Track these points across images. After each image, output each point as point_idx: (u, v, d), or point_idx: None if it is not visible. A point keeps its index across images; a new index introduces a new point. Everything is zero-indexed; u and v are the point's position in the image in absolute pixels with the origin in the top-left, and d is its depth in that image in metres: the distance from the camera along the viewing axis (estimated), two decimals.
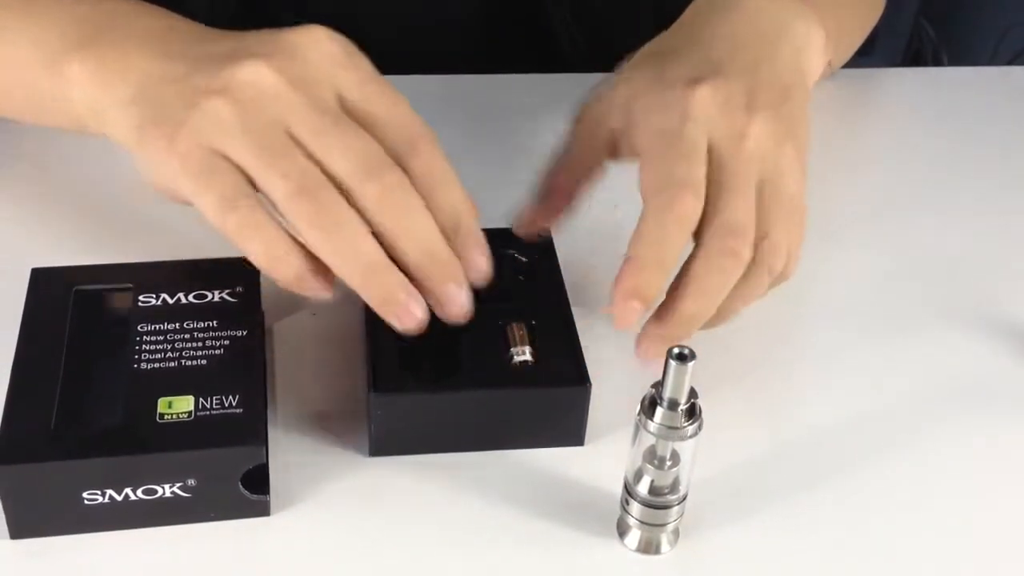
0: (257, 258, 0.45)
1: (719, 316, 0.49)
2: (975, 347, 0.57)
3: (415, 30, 0.75)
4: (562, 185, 0.53)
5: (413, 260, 0.46)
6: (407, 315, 0.46)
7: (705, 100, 0.49)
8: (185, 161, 0.45)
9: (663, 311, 0.48)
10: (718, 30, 0.53)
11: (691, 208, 0.47)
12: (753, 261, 0.48)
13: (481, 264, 0.47)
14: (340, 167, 0.44)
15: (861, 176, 0.69)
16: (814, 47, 0.56)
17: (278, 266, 0.45)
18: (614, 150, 0.52)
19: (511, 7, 0.76)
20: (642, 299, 0.46)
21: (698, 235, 0.48)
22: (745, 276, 0.48)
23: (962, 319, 0.59)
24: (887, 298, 0.60)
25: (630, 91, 0.51)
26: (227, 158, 0.45)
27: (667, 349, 0.42)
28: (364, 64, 0.47)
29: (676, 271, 0.49)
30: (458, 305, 0.47)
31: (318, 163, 0.45)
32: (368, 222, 0.45)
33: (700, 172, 0.47)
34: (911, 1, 1.87)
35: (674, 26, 0.55)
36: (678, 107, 0.49)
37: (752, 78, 0.51)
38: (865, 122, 0.73)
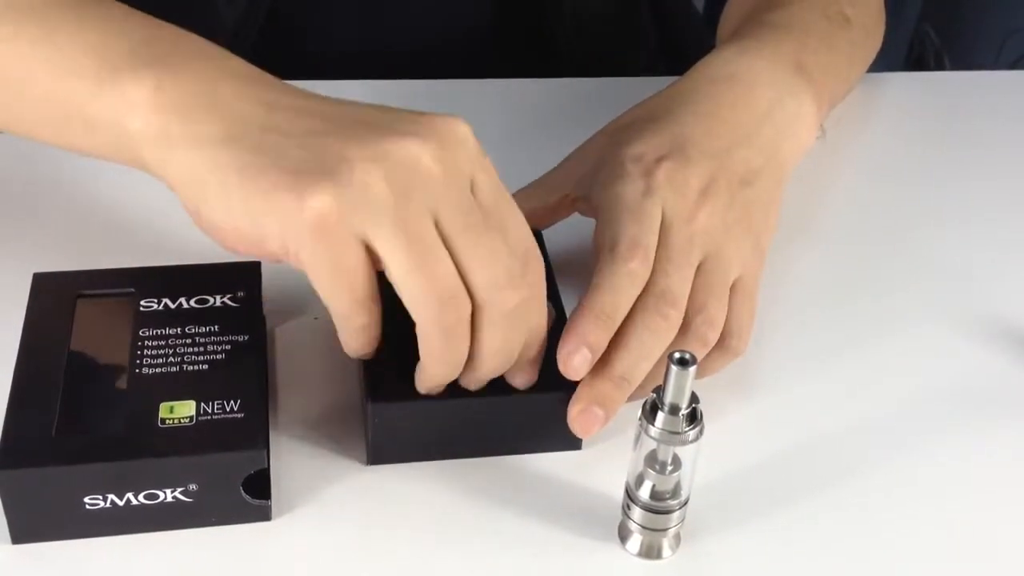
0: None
1: (653, 383, 0.49)
2: (975, 351, 0.57)
3: (423, 41, 0.76)
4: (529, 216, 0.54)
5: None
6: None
7: (664, 179, 0.52)
8: (318, 231, 0.40)
9: (595, 369, 0.48)
10: (701, 107, 0.56)
11: (639, 266, 0.49)
12: (687, 331, 0.50)
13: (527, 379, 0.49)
14: (483, 275, 0.43)
15: (862, 180, 0.69)
16: (804, 123, 0.59)
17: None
18: (574, 203, 0.56)
19: (515, 19, 0.77)
20: (589, 346, 0.47)
21: (637, 302, 0.49)
22: (680, 344, 0.49)
23: (962, 323, 0.59)
24: (887, 302, 0.60)
25: (601, 155, 0.55)
26: (367, 243, 0.42)
27: (670, 354, 0.42)
28: (491, 164, 0.45)
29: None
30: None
31: (459, 264, 0.43)
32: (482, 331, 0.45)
33: (652, 239, 0.50)
34: (913, 6, 1.87)
35: (667, 90, 0.58)
36: (641, 181, 0.52)
37: (717, 163, 0.54)
38: (866, 126, 0.73)
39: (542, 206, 0.56)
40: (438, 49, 0.76)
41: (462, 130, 0.44)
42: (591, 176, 0.55)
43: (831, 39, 0.64)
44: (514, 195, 0.47)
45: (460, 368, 0.46)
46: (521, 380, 0.48)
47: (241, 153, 0.41)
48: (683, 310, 0.50)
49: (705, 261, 0.51)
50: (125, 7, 0.47)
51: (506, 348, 0.46)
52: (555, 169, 0.58)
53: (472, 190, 0.44)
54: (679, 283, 0.50)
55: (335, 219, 0.40)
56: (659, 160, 0.53)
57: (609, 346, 0.48)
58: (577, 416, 0.48)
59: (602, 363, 0.48)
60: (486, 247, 0.43)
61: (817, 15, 0.64)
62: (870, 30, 0.70)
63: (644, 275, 0.49)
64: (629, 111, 0.58)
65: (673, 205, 0.52)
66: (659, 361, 0.49)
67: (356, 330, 0.45)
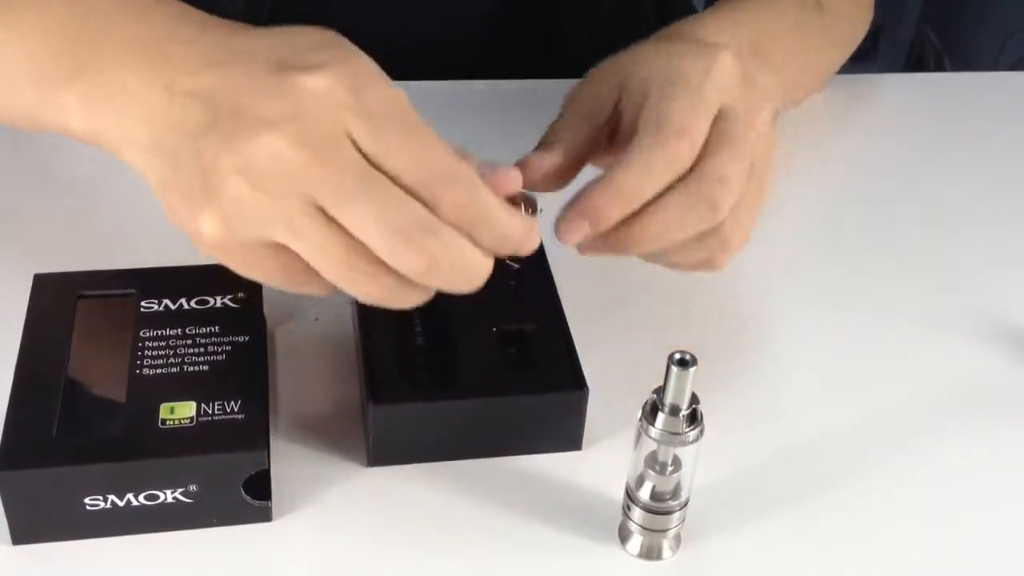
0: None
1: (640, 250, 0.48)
2: (976, 352, 0.57)
3: (426, 37, 0.75)
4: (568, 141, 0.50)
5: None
6: None
7: (729, 65, 0.48)
8: (218, 251, 0.42)
9: (613, 231, 0.46)
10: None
11: (685, 154, 0.45)
12: (717, 226, 0.47)
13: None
14: (375, 242, 0.41)
15: (861, 181, 0.69)
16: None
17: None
18: (618, 100, 0.50)
19: (520, 13, 0.77)
20: (594, 223, 0.45)
21: (679, 184, 0.46)
22: (699, 237, 0.47)
23: (963, 324, 0.59)
24: (887, 303, 0.60)
25: (648, 45, 0.51)
26: (265, 244, 0.42)
27: (670, 355, 0.42)
28: (375, 97, 0.42)
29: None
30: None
31: (353, 236, 0.41)
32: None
33: (705, 126, 0.46)
34: (913, 7, 1.88)
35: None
36: (702, 62, 0.47)
37: (759, 76, 0.51)
38: (867, 127, 0.73)
39: (571, 144, 0.49)
40: (441, 46, 0.76)
41: (322, 83, 0.41)
42: (629, 70, 0.50)
43: (800, 25, 0.62)
44: (537, 150, 0.47)
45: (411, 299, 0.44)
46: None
47: (154, 162, 0.43)
48: (732, 205, 0.46)
49: (751, 165, 0.48)
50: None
51: (451, 288, 0.43)
52: (573, 98, 0.51)
53: (356, 141, 0.41)
54: (737, 175, 0.46)
55: (228, 239, 0.42)
56: (718, 47, 0.49)
57: (641, 209, 0.45)
58: (567, 241, 0.46)
59: (622, 225, 0.46)
60: (371, 215, 0.40)
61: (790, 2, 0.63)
62: (849, 17, 0.68)
63: (686, 163, 0.45)
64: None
65: (736, 95, 0.47)
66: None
67: (330, 292, 0.44)
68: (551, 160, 0.48)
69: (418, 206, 0.41)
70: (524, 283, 0.54)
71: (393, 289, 0.42)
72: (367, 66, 0.43)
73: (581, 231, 0.45)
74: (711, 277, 0.60)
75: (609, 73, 0.50)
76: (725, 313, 0.59)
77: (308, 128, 0.40)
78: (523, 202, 0.45)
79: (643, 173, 0.45)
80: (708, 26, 0.56)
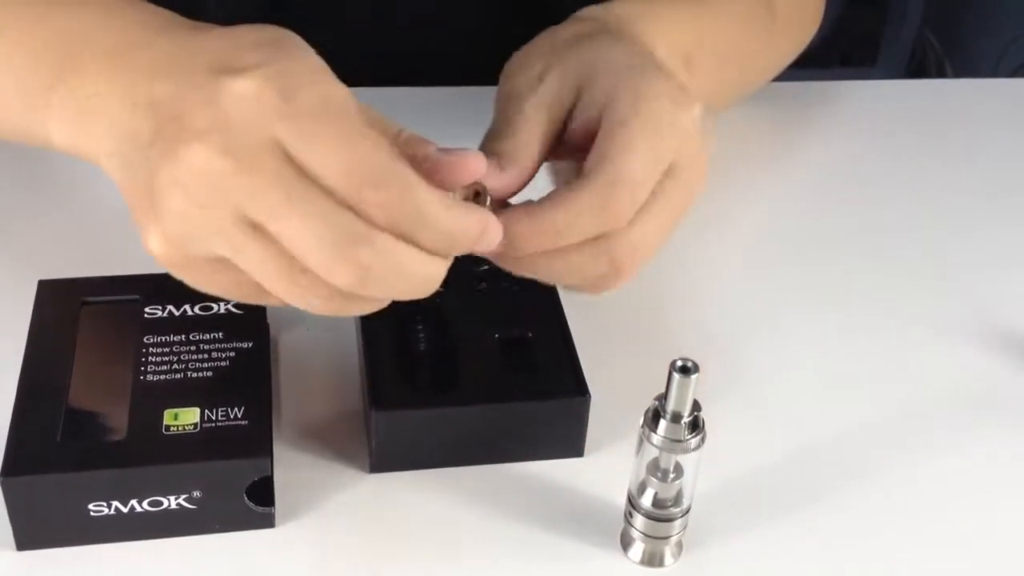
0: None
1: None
2: (976, 358, 0.58)
3: (426, 40, 0.75)
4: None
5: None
6: None
7: (697, 120, 0.46)
8: (170, 268, 0.42)
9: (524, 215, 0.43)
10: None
11: (625, 212, 0.44)
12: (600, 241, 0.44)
13: (490, 247, 0.43)
14: (306, 256, 0.39)
15: (862, 186, 0.69)
16: None
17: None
18: (574, 103, 0.47)
19: (519, 17, 0.76)
20: (508, 246, 0.43)
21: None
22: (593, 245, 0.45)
23: (964, 330, 0.59)
24: (887, 307, 0.60)
25: (607, 47, 0.48)
26: (213, 259, 0.41)
27: (672, 362, 0.43)
28: (306, 99, 0.39)
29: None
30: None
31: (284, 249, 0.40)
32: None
33: (654, 182, 0.44)
34: (915, 11, 1.88)
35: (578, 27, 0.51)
36: (673, 113, 0.45)
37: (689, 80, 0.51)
38: (868, 133, 0.73)
39: (533, 157, 0.46)
40: (437, 50, 0.75)
41: (250, 87, 0.39)
42: (588, 74, 0.46)
43: (745, 26, 0.61)
44: (497, 158, 0.44)
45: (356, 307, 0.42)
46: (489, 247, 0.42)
47: (117, 174, 0.43)
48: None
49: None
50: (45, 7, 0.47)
51: (400, 296, 0.41)
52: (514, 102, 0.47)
53: (285, 149, 0.39)
54: (645, 176, 0.44)
55: (175, 255, 0.41)
56: (694, 102, 0.46)
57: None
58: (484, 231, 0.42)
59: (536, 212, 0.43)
60: (297, 228, 0.39)
61: (744, 6, 0.61)
62: (798, 22, 0.66)
63: (624, 221, 0.44)
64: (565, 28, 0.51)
65: (689, 145, 0.46)
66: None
67: (287, 304, 0.43)
68: (517, 178, 0.45)
69: (347, 215, 0.39)
70: (526, 289, 0.54)
71: (340, 301, 0.41)
72: (303, 64, 0.41)
73: (491, 246, 0.43)
74: (713, 283, 0.61)
75: (566, 71, 0.46)
76: (726, 319, 0.59)
77: (236, 137, 0.39)
78: (484, 192, 0.43)
79: (576, 217, 0.43)
80: (655, 20, 0.53)
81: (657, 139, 0.44)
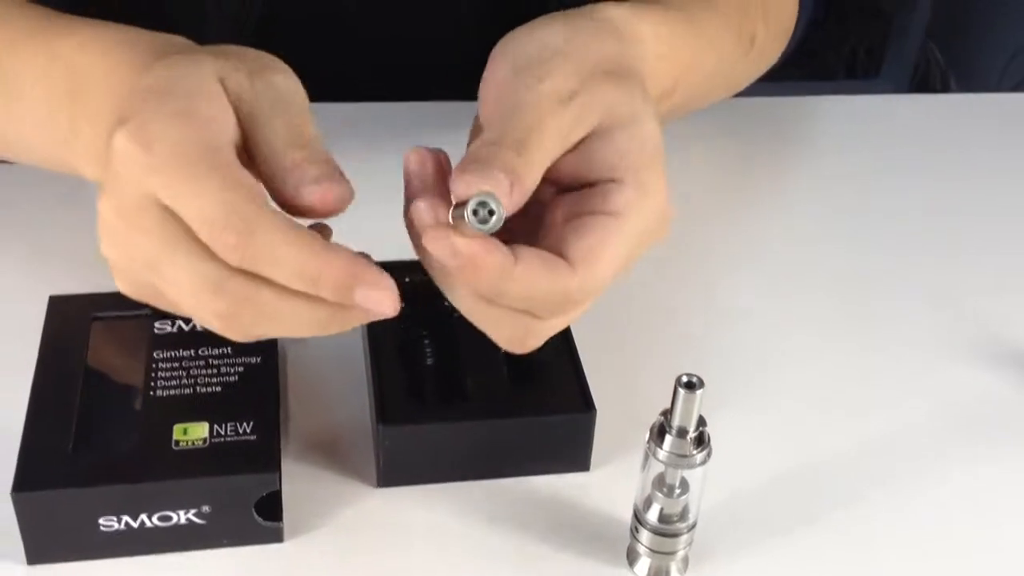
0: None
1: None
2: (983, 377, 0.58)
3: (415, 46, 0.75)
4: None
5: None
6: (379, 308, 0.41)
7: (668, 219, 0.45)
8: (142, 301, 0.45)
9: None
10: None
11: (578, 310, 0.44)
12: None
13: (379, 305, 0.40)
14: (181, 307, 0.42)
15: (865, 204, 0.69)
16: None
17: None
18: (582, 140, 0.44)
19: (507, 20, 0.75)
20: (462, 267, 0.40)
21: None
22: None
23: (970, 349, 0.59)
24: (891, 327, 0.60)
25: (627, 96, 0.44)
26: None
27: (677, 377, 0.43)
28: (163, 148, 0.40)
29: None
30: (381, 310, 0.41)
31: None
32: None
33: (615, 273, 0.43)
34: (919, 25, 1.88)
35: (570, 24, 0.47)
36: (656, 221, 0.44)
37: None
38: (870, 149, 0.74)
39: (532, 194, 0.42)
40: (431, 50, 0.75)
41: (121, 143, 0.40)
42: (609, 126, 0.43)
43: (727, 66, 0.59)
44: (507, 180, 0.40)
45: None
46: (370, 309, 0.41)
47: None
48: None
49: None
50: (54, 50, 0.48)
51: (286, 334, 0.42)
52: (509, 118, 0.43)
53: (158, 200, 0.40)
54: (563, 323, 0.44)
55: (133, 292, 0.44)
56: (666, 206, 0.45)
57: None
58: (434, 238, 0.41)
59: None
60: (174, 279, 0.40)
61: (731, 37, 0.58)
62: (768, 53, 0.64)
63: (585, 301, 0.43)
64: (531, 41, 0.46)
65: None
66: None
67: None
68: (519, 202, 0.42)
69: (209, 262, 0.40)
70: None
71: (246, 338, 0.42)
72: (168, 108, 0.41)
73: (445, 252, 0.40)
74: (718, 300, 0.61)
75: (593, 108, 0.43)
76: (731, 336, 0.59)
77: (120, 196, 0.41)
78: (495, 210, 0.39)
79: (528, 288, 0.41)
80: (648, 44, 0.49)
81: (637, 246, 0.43)
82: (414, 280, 0.51)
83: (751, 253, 0.65)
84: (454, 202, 0.41)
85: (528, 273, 0.41)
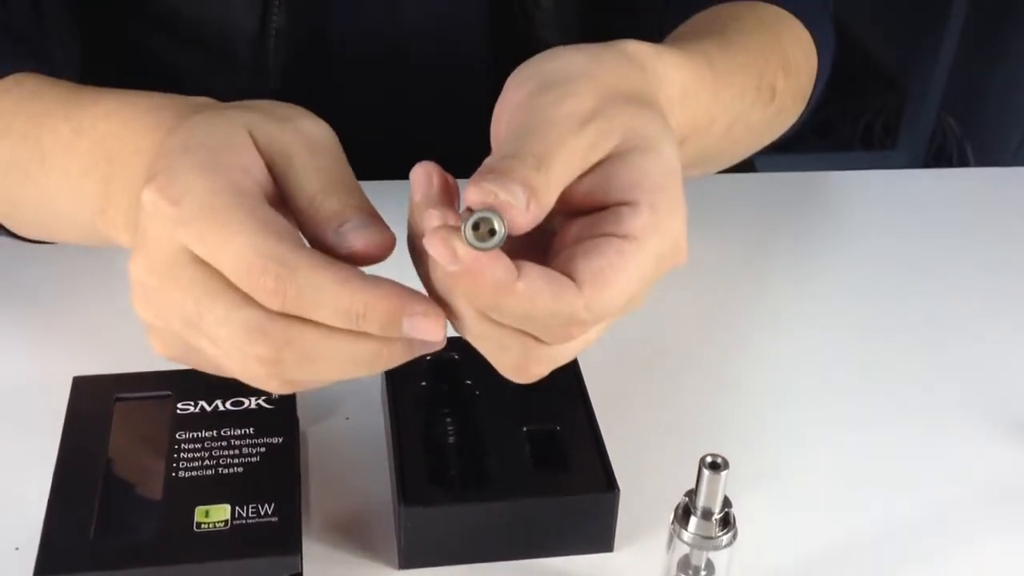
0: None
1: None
2: (1011, 454, 0.57)
3: (419, 60, 0.75)
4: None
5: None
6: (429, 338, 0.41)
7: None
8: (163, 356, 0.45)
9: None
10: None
11: (580, 334, 0.41)
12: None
13: (428, 334, 0.40)
14: (225, 363, 0.42)
15: (887, 277, 0.69)
16: None
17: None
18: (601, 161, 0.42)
19: (506, 31, 0.74)
20: (466, 279, 0.39)
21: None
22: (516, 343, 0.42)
23: (996, 422, 0.59)
24: (913, 400, 0.60)
25: (657, 133, 0.43)
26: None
27: (701, 458, 0.43)
28: (191, 201, 0.40)
29: None
30: (430, 338, 0.40)
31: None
32: None
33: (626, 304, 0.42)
34: (934, 96, 1.90)
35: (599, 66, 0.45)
36: (671, 252, 0.42)
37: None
38: (889, 223, 0.74)
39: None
40: (433, 49, 0.74)
41: (150, 199, 0.40)
42: (631, 152, 0.42)
43: (746, 115, 0.58)
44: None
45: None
46: (419, 341, 0.41)
47: None
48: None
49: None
50: (78, 122, 0.49)
51: (327, 377, 0.41)
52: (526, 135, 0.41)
53: (192, 253, 0.40)
54: (569, 355, 0.43)
55: (161, 350, 0.44)
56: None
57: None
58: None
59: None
60: (214, 334, 0.40)
61: (752, 85, 0.57)
62: (787, 110, 0.63)
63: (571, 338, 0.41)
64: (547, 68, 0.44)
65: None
66: None
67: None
68: (534, 220, 0.40)
69: (248, 310, 0.39)
70: (553, 380, 0.54)
71: (288, 387, 0.42)
72: (188, 162, 0.41)
73: (446, 254, 0.38)
74: (742, 378, 0.61)
75: (612, 130, 0.42)
76: (755, 414, 0.59)
77: (152, 253, 0.41)
78: (499, 225, 0.38)
79: (530, 306, 0.39)
80: (671, 98, 0.48)
81: (651, 272, 0.41)
82: (435, 358, 0.51)
83: (773, 330, 0.65)
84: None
85: (531, 289, 0.39)
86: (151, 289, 0.42)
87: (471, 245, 0.37)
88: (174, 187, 0.40)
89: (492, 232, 0.37)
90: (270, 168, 0.42)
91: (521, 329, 0.41)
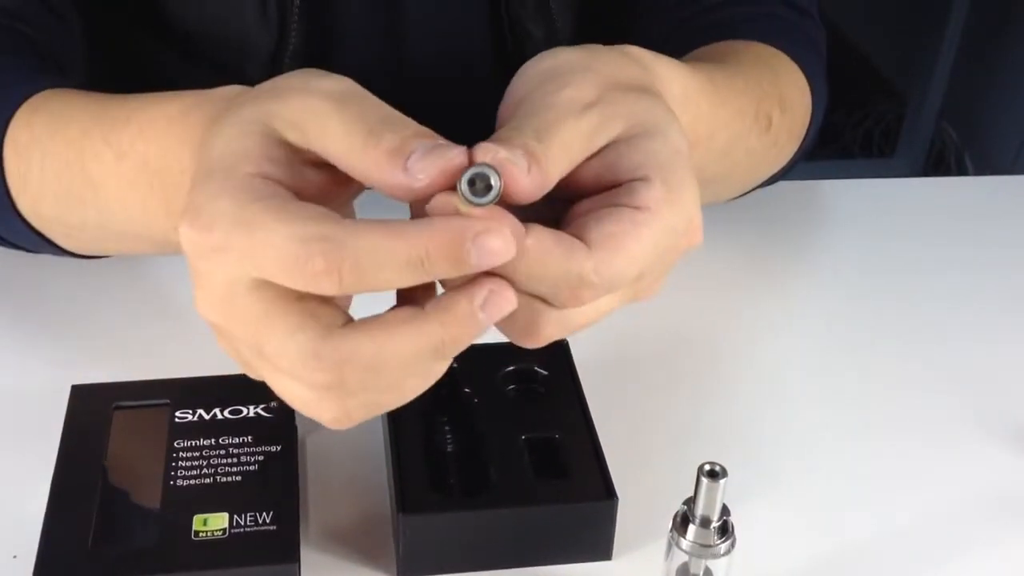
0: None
1: None
2: (1012, 463, 0.57)
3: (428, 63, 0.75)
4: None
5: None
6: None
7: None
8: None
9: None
10: None
11: (589, 298, 0.40)
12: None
13: (499, 251, 0.37)
14: (289, 394, 0.41)
15: (888, 286, 0.69)
16: None
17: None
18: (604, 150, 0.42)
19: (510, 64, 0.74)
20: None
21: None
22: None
23: (996, 435, 0.58)
24: (913, 410, 0.60)
25: (667, 127, 0.43)
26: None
27: (700, 466, 0.43)
28: (220, 222, 0.39)
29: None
30: (502, 252, 0.38)
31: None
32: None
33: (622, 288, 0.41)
34: (933, 104, 1.90)
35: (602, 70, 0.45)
36: (675, 244, 0.42)
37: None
38: (889, 232, 0.74)
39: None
40: (442, 71, 0.75)
41: (188, 235, 0.39)
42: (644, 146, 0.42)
43: (745, 137, 0.57)
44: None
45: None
46: (486, 260, 0.38)
47: None
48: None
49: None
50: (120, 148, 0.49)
51: (388, 400, 0.40)
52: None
53: (252, 274, 0.39)
54: (580, 323, 0.42)
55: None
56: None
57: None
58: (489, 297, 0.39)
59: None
60: (274, 356, 0.39)
61: (750, 109, 0.57)
62: (781, 144, 0.62)
63: (581, 303, 0.40)
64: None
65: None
66: None
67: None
68: (537, 188, 0.39)
69: (300, 334, 0.38)
70: (552, 389, 0.55)
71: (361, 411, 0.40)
72: (207, 190, 0.40)
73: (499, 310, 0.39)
74: (741, 386, 0.61)
75: (616, 116, 0.42)
76: (754, 422, 0.59)
77: (208, 292, 0.40)
78: (495, 180, 0.37)
79: (540, 267, 0.39)
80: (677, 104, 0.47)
81: (665, 249, 0.41)
82: None
83: (771, 337, 0.65)
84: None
85: (540, 247, 0.38)
86: (220, 328, 0.41)
87: (468, 201, 0.37)
88: (203, 217, 0.39)
89: (488, 188, 0.37)
90: (308, 141, 0.40)
91: (531, 292, 0.40)
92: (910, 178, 0.78)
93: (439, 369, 0.40)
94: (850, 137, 1.96)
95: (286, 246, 0.37)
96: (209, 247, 0.39)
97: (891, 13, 1.97)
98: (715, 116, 0.53)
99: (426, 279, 0.38)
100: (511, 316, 0.40)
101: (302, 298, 0.39)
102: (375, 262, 0.37)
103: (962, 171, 1.92)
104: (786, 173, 0.67)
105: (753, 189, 0.66)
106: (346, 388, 0.39)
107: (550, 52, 0.45)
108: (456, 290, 0.39)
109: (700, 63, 0.54)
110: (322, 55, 0.71)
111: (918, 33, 1.90)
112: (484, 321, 0.38)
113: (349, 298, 0.42)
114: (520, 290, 0.40)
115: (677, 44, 0.63)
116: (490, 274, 0.39)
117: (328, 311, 0.39)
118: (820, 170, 0.71)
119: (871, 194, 0.77)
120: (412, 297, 0.40)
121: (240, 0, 0.67)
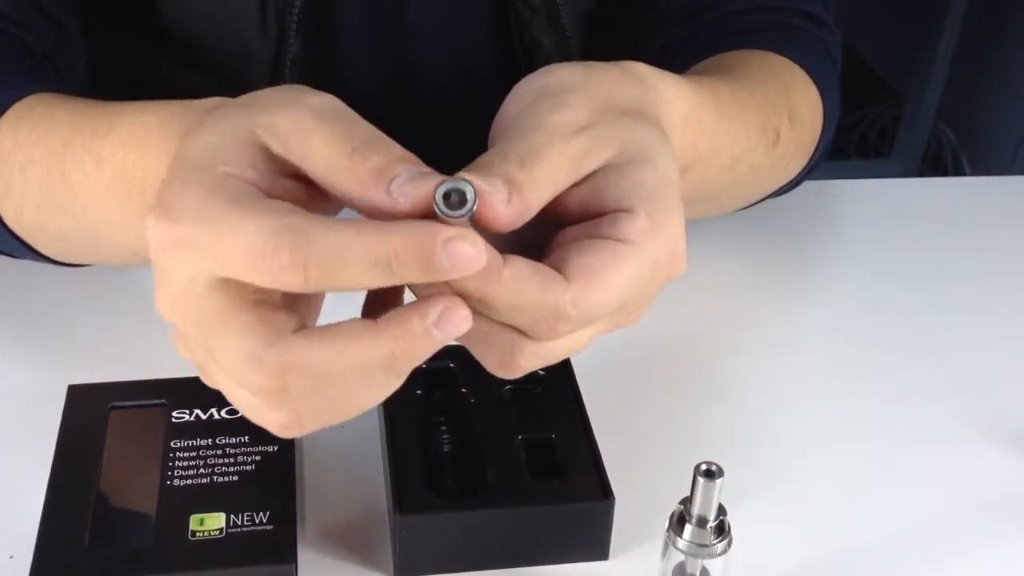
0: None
1: None
2: (1010, 464, 0.57)
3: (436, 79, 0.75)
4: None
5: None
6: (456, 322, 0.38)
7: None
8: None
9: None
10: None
11: (566, 331, 0.40)
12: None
13: (468, 260, 0.36)
14: (237, 399, 0.41)
15: (888, 287, 0.69)
16: None
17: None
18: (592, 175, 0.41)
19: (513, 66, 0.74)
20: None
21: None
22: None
23: (993, 436, 0.58)
24: (912, 412, 0.60)
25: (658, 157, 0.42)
26: None
27: (696, 466, 0.43)
28: (185, 217, 0.38)
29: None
30: (470, 262, 0.37)
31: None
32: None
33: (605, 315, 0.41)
34: (930, 105, 1.90)
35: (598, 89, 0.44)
36: (659, 273, 0.41)
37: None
38: (884, 232, 0.74)
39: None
40: (444, 86, 0.75)
41: (153, 227, 0.39)
42: (629, 172, 0.41)
43: (751, 152, 0.57)
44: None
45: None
46: (456, 266, 0.37)
47: None
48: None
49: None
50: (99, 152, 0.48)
51: (332, 413, 0.40)
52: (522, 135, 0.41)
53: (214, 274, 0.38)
54: (556, 355, 0.42)
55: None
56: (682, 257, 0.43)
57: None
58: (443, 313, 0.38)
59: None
60: (222, 359, 0.39)
61: (757, 124, 0.56)
62: (789, 157, 0.62)
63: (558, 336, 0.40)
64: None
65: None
66: None
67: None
68: (515, 218, 0.39)
69: (245, 337, 0.38)
70: (549, 389, 0.55)
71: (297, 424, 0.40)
72: (177, 184, 0.39)
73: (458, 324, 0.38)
74: (738, 386, 0.61)
75: (608, 141, 0.42)
76: (750, 422, 0.59)
77: (167, 288, 0.39)
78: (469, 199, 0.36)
79: (524, 285, 0.38)
80: (675, 126, 0.47)
81: (647, 281, 0.41)
82: (430, 367, 0.51)
83: (768, 338, 0.65)
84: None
85: (517, 277, 0.38)
86: (176, 328, 0.40)
87: (442, 214, 0.36)
88: (170, 211, 0.38)
89: (464, 201, 0.36)
90: (291, 154, 0.40)
91: (508, 324, 0.40)
92: (907, 178, 0.78)
93: (394, 383, 0.39)
94: (847, 138, 1.97)
95: (252, 240, 0.36)
96: (173, 241, 0.38)
97: (888, 14, 1.97)
98: (719, 132, 0.52)
99: (394, 281, 0.37)
100: (487, 345, 0.40)
101: (258, 304, 0.38)
102: (342, 259, 0.36)
103: (959, 172, 1.93)
104: (796, 185, 0.67)
105: (761, 200, 0.66)
106: (290, 394, 0.38)
107: (547, 69, 0.45)
108: (410, 305, 0.38)
109: (706, 76, 0.54)
110: (323, 62, 0.71)
111: (915, 34, 1.90)
112: (438, 338, 0.38)
113: (318, 307, 0.42)
114: (497, 320, 0.39)
115: (691, 52, 0.64)
116: (459, 293, 0.38)
117: (280, 317, 0.38)
118: (816, 171, 0.71)
119: (868, 195, 0.77)
120: (377, 308, 0.39)
121: (239, 7, 0.68)
